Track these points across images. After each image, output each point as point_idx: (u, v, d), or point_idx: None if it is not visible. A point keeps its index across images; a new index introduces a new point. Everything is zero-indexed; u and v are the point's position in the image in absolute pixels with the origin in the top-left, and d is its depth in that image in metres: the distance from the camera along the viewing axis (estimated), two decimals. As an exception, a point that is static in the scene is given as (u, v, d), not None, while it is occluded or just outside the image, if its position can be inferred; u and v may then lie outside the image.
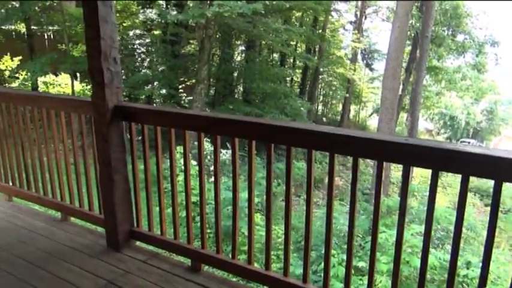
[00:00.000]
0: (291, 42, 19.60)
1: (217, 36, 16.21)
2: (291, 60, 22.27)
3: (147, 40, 16.04)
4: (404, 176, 1.85)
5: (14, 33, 16.92)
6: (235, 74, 18.11)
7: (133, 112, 2.76)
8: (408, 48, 20.20)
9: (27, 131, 3.47)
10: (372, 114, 30.56)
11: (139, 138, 2.76)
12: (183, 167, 2.70)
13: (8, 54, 16.86)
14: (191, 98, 15.03)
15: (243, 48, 20.18)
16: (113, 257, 2.83)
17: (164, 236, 2.85)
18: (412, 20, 17.00)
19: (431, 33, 15.64)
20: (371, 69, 28.77)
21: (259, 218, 7.21)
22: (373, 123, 28.99)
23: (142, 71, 15.42)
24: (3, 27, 15.97)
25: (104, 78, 2.64)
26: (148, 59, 16.00)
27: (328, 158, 2.05)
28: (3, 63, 16.83)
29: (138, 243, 3.00)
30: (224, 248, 4.71)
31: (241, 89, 18.53)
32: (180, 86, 16.52)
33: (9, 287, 2.49)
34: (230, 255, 2.62)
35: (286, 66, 20.52)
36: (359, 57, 27.39)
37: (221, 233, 2.61)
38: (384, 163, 1.94)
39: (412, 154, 1.79)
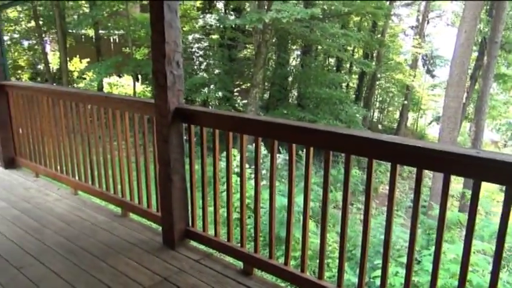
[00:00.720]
0: (348, 48, 19.25)
1: (274, 40, 16.28)
2: (347, 65, 21.86)
3: (205, 44, 16.46)
4: (474, 192, 1.72)
5: (83, 37, 18.07)
6: (290, 79, 18.07)
7: (193, 114, 2.83)
8: (474, 54, 19.10)
9: (93, 129, 3.67)
10: (431, 122, 29.18)
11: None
12: (235, 169, 2.73)
13: (78, 56, 18.05)
14: (246, 101, 15.21)
15: (299, 53, 20.12)
16: (168, 254, 2.91)
17: (218, 237, 2.89)
18: (480, 24, 16.03)
19: (500, 38, 14.65)
20: (432, 76, 27.48)
21: (312, 225, 7.12)
22: (432, 132, 27.65)
23: (200, 74, 15.84)
24: (74, 31, 17.09)
25: (167, 81, 2.73)
26: (205, 63, 16.41)
27: (390, 169, 1.97)
28: (73, 65, 18.03)
29: (192, 242, 3.06)
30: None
31: (296, 93, 18.46)
32: (235, 90, 16.80)
33: (73, 276, 2.63)
34: (282, 261, 2.60)
35: (342, 72, 20.16)
36: (419, 63, 26.29)
37: (274, 238, 2.60)
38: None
39: (485, 168, 1.67)
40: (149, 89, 17.53)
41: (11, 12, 15.45)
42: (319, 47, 18.20)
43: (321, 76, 16.42)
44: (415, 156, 1.88)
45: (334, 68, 20.61)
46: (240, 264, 2.77)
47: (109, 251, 2.96)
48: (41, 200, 3.90)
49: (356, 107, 17.07)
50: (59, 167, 4.21)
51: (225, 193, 2.85)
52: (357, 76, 22.62)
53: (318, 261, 2.40)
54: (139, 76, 17.50)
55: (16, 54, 16.99)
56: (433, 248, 2.00)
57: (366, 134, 2.05)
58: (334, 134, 2.15)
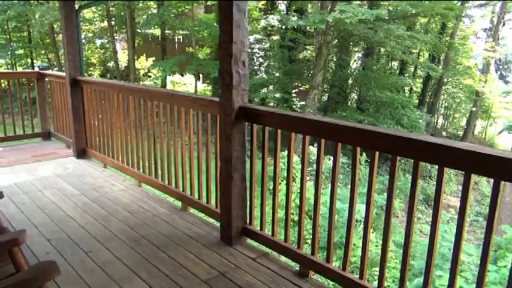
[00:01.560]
0: (413, 50, 18.45)
1: (335, 42, 16.02)
2: (412, 69, 20.97)
3: (266, 45, 16.57)
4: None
5: (150, 36, 18.92)
6: (350, 81, 17.69)
7: (256, 114, 2.85)
8: (556, 60, 17.52)
9: (159, 124, 3.82)
10: (502, 131, 27.19)
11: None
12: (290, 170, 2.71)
13: (144, 55, 18.93)
14: (303, 103, 15.11)
15: (360, 55, 19.63)
16: (225, 250, 2.95)
17: (275, 237, 2.89)
18: None
19: None
20: (506, 82, 25.61)
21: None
22: (502, 142, 25.79)
23: (260, 74, 15.97)
24: (142, 31, 17.94)
25: (233, 80, 2.77)
26: (265, 64, 16.52)
27: (464, 178, 1.85)
28: (140, 63, 18.94)
29: (249, 240, 3.09)
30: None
31: (355, 96, 18.04)
32: (294, 91, 16.74)
33: (135, 263, 2.75)
34: (339, 266, 2.55)
35: (405, 75, 19.38)
36: (492, 68, 24.60)
37: (333, 241, 2.55)
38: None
39: None
40: (210, 88, 17.98)
41: (87, 13, 16.54)
42: (382, 49, 17.66)
43: (383, 79, 15.92)
44: (493, 166, 1.75)
45: (397, 71, 19.86)
46: (296, 265, 2.75)
47: (169, 243, 3.06)
48: (108, 190, 4.13)
49: (419, 112, 16.36)
50: (125, 160, 4.43)
51: (283, 193, 2.85)
52: (421, 80, 21.65)
53: (377, 269, 2.31)
54: (201, 75, 18.01)
55: (89, 52, 18.15)
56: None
57: (440, 140, 1.93)
58: (404, 139, 2.06)
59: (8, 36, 16.33)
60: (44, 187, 4.17)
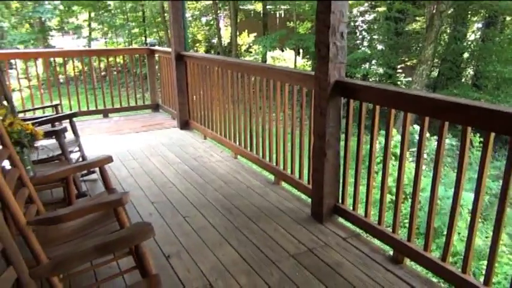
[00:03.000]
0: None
1: (450, 12, 14.49)
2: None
3: (371, 17, 15.67)
4: None
5: (252, 12, 19.14)
6: (466, 55, 15.94)
7: (353, 88, 2.70)
8: None
9: (255, 99, 3.86)
10: None
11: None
12: (393, 150, 2.52)
13: (246, 31, 19.27)
14: (410, 79, 14.08)
15: (480, 25, 17.50)
16: (315, 227, 2.91)
17: (368, 219, 2.76)
18: None
19: None
20: None
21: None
22: None
23: (362, 48, 15.23)
24: (244, 7, 18.23)
25: (329, 53, 2.65)
26: (368, 37, 15.67)
27: None
28: (242, 39, 19.35)
29: (340, 219, 3.00)
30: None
31: (471, 72, 16.24)
32: (399, 66, 15.66)
33: (227, 231, 2.86)
34: (437, 255, 2.34)
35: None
36: None
37: (432, 228, 2.35)
38: None
39: None
40: (309, 63, 17.71)
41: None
42: (508, 18, 15.51)
43: (507, 52, 14.04)
44: None
45: (525, 44, 17.34)
46: (389, 250, 2.60)
47: (260, 214, 3.12)
48: (206, 160, 4.34)
49: (551, 91, 14.16)
50: (223, 132, 4.60)
51: (378, 173, 2.69)
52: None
53: (485, 263, 2.07)
54: (301, 50, 17.80)
55: (195, 29, 19.06)
56: None
57: None
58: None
59: (125, 17, 17.88)
60: (150, 154, 4.53)
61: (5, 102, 3.50)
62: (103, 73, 10.01)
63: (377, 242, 2.74)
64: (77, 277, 2.33)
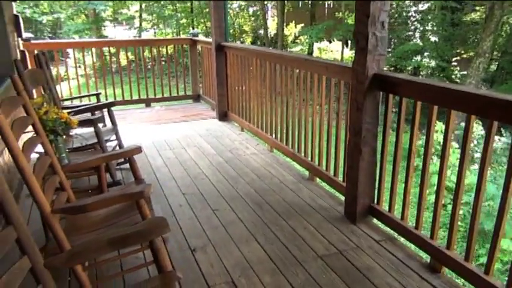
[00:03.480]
0: None
1: (513, 0, 13.44)
2: None
3: (424, 7, 14.89)
4: None
5: (300, 2, 18.82)
6: (529, 48, 14.76)
7: (392, 82, 2.52)
8: None
9: (293, 91, 3.74)
10: None
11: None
12: (437, 147, 2.32)
13: (293, 21, 19.00)
14: (465, 72, 13.27)
15: (547, 15, 16.11)
16: (348, 228, 2.78)
17: (404, 222, 2.58)
18: None
19: None
20: None
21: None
22: None
23: (413, 40, 14.53)
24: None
25: (368, 44, 2.48)
26: (421, 28, 14.91)
27: None
28: (289, 30, 19.10)
29: (375, 220, 2.84)
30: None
31: (535, 66, 15.03)
32: (454, 59, 14.80)
33: (255, 227, 2.79)
34: (482, 267, 2.14)
35: None
36: None
37: (475, 235, 2.14)
38: None
39: None
40: (357, 55, 17.14)
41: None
42: None
43: None
44: None
45: None
46: (426, 257, 2.42)
47: (291, 211, 3.02)
48: (241, 152, 4.29)
49: None
50: (259, 125, 4.52)
51: (417, 173, 2.50)
52: None
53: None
54: (349, 42, 17.30)
55: (242, 20, 19.04)
56: None
57: None
58: None
59: (174, 7, 18.18)
60: (187, 144, 4.55)
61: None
62: (150, 63, 10.25)
63: (413, 247, 2.56)
64: (103, 266, 2.37)
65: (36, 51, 3.88)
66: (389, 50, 14.46)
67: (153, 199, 3.22)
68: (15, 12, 4.62)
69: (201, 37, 6.51)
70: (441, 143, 2.26)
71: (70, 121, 2.68)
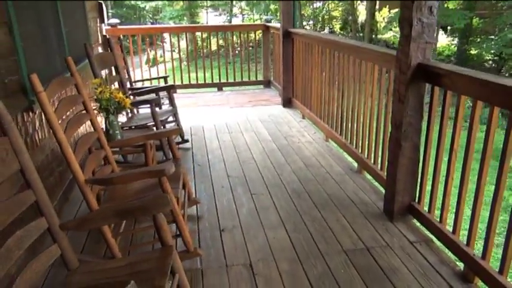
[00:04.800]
0: None
1: None
2: None
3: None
4: None
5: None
6: None
7: (438, 73, 2.31)
8: None
9: (347, 79, 3.62)
10: None
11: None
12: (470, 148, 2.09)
13: (387, 6, 17.96)
14: None
15: None
16: (383, 225, 2.66)
17: (442, 225, 2.40)
18: None
19: None
20: None
21: None
22: None
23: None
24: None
25: (412, 31, 2.31)
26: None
27: None
28: (381, 15, 18.14)
29: (414, 220, 2.68)
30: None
31: None
32: None
33: (287, 215, 2.80)
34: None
35: None
36: None
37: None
38: None
39: None
40: (455, 42, 15.76)
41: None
42: None
43: None
44: None
45: None
46: (461, 264, 2.23)
47: (328, 202, 2.97)
48: (296, 140, 4.28)
49: None
50: (318, 113, 4.45)
51: (458, 175, 2.28)
52: None
53: None
54: (448, 28, 15.90)
55: (332, 5, 18.53)
56: None
57: None
58: None
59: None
60: (245, 129, 4.66)
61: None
62: (238, 48, 10.57)
63: (450, 254, 2.37)
64: (139, 233, 2.59)
65: (107, 36, 4.24)
66: (492, 37, 13.05)
67: (199, 179, 3.40)
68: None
69: (274, 23, 6.52)
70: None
71: (124, 101, 2.93)
